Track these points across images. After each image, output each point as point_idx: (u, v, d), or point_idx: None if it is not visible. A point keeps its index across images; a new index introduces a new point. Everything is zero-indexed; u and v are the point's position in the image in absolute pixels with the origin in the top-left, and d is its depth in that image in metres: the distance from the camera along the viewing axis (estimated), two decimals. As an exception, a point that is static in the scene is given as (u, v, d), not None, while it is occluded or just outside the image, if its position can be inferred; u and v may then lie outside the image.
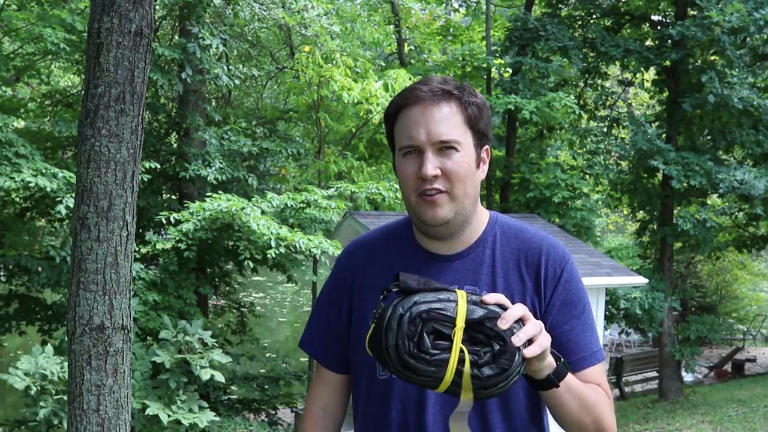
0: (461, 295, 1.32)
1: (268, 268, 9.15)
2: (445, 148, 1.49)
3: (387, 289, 1.36)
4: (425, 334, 1.28)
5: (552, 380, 1.42)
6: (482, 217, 1.62)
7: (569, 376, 1.46)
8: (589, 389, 1.53)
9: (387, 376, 1.58)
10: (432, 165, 1.47)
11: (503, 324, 1.29)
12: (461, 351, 1.27)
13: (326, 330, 1.72)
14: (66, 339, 3.26)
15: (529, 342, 1.31)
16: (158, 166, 8.70)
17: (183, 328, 6.74)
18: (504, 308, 1.32)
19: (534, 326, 1.32)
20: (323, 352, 1.73)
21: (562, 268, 1.59)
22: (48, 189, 6.99)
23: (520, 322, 1.32)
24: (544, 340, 1.34)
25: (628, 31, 13.83)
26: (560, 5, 13.33)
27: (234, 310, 12.26)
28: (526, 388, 1.56)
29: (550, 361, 1.41)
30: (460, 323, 1.28)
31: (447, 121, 1.49)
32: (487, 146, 1.58)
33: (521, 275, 1.58)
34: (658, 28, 13.06)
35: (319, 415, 1.76)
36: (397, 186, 8.87)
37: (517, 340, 1.29)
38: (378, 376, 1.60)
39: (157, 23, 10.31)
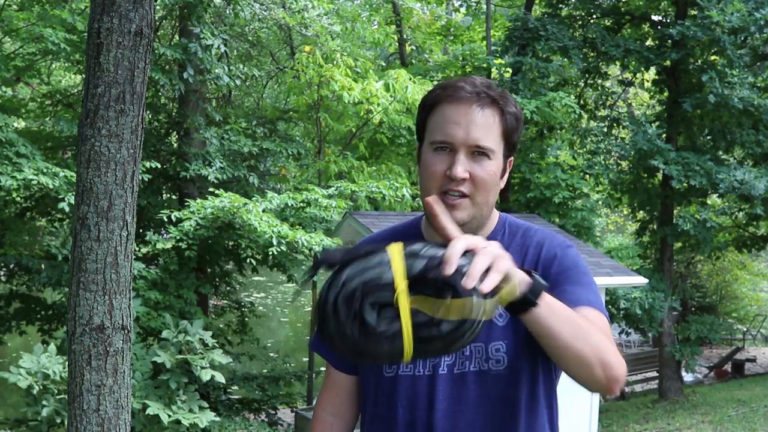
0: (396, 251, 1.15)
1: (269, 268, 9.14)
2: (478, 153, 1.48)
3: (311, 272, 1.23)
4: (366, 312, 1.13)
5: (529, 299, 1.27)
6: (493, 217, 1.63)
7: (551, 298, 1.33)
8: (582, 317, 1.38)
9: (393, 373, 1.56)
10: (463, 167, 1.46)
11: (448, 268, 1.14)
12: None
13: None
14: (66, 339, 3.26)
15: (486, 272, 1.16)
16: (158, 166, 8.70)
17: (184, 328, 6.74)
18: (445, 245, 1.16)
19: (486, 256, 1.17)
20: (334, 354, 1.70)
21: (561, 249, 1.58)
22: (50, 185, 7.01)
23: (469, 253, 1.17)
24: (503, 263, 1.19)
25: (628, 31, 13.82)
26: (560, 5, 13.33)
27: (234, 310, 12.25)
28: (540, 396, 1.55)
29: (522, 277, 1.27)
30: (401, 285, 1.13)
31: (487, 127, 1.48)
32: (512, 157, 1.58)
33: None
34: (659, 28, 13.06)
35: (328, 421, 1.73)
36: (398, 185, 8.87)
37: (470, 281, 1.13)
38: (384, 373, 1.57)
39: (158, 23, 10.31)
